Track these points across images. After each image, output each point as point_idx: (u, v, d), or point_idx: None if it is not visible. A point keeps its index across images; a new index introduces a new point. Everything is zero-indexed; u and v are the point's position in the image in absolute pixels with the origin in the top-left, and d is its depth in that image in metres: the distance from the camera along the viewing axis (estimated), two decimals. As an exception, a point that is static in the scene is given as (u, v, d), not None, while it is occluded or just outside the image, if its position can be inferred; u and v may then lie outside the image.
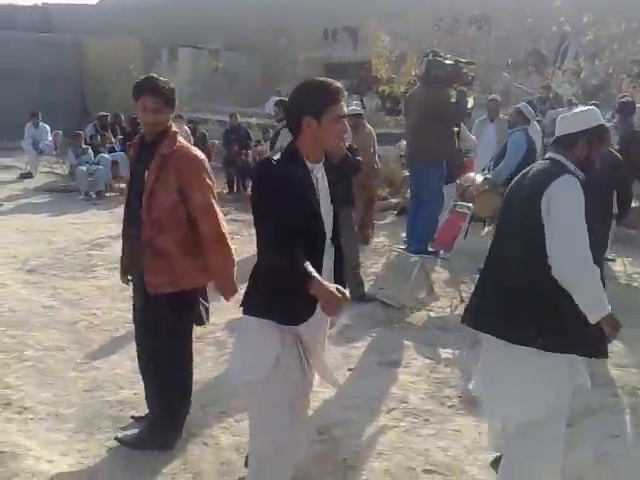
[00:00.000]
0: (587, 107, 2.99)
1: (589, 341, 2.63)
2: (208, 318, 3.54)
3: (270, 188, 2.39)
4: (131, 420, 3.71)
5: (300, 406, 2.60)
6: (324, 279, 2.35)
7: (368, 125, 7.85)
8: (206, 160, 3.39)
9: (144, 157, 3.30)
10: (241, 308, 2.52)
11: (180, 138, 3.34)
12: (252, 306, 2.48)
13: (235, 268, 3.33)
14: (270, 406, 2.46)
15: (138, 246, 3.28)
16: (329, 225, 2.55)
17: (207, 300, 3.51)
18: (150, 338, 3.39)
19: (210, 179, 3.33)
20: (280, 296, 2.40)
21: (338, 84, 2.44)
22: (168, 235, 3.23)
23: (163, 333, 3.30)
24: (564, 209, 2.56)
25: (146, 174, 3.23)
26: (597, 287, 2.56)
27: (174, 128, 3.34)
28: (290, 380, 2.45)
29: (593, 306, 2.56)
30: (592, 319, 2.56)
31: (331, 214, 2.57)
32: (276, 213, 2.36)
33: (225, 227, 3.33)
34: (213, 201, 3.30)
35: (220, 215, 3.33)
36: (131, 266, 3.44)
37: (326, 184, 2.54)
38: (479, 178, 6.26)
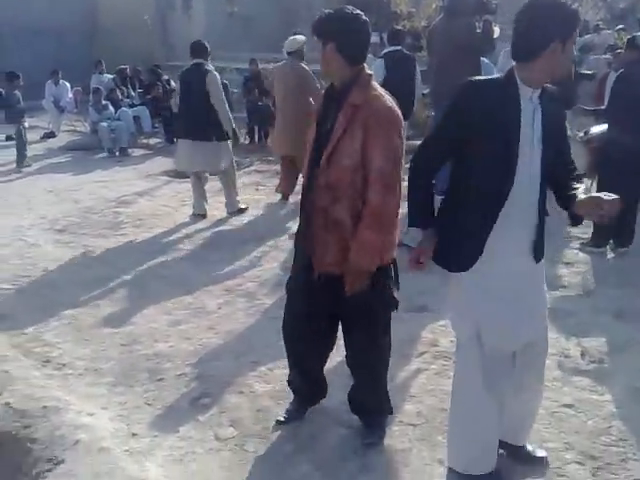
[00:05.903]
0: None
1: None
2: None
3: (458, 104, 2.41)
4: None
5: None
6: (510, 251, 2.42)
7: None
8: (402, 117, 2.78)
9: (332, 110, 2.77)
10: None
11: (375, 85, 2.78)
12: None
13: (371, 266, 2.71)
14: None
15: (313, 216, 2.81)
16: (530, 176, 2.33)
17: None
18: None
19: (402, 141, 2.71)
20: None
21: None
22: (344, 204, 2.72)
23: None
24: None
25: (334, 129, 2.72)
26: None
27: (367, 71, 2.78)
28: None
29: None
30: None
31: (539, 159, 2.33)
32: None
33: (397, 211, 2.73)
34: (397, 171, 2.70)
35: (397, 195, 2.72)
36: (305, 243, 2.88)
37: (539, 120, 2.33)
38: None
